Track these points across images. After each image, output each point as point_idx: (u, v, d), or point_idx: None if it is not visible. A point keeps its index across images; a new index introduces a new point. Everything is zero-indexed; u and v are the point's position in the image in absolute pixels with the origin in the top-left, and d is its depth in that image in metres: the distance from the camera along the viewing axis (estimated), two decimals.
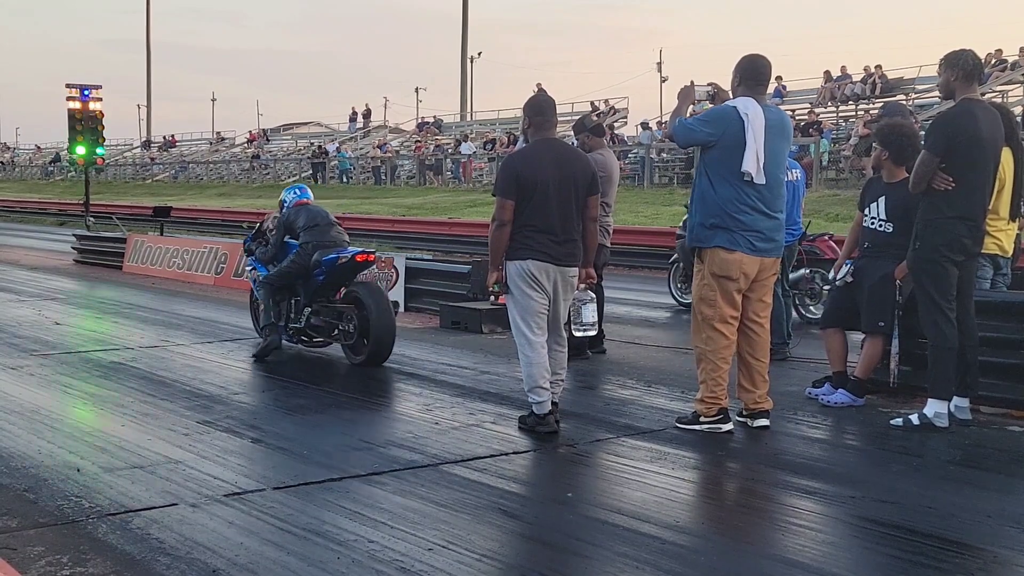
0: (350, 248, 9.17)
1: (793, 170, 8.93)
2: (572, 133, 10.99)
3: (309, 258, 9.07)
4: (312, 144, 52.03)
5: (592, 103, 42.56)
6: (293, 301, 9.41)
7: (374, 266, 11.08)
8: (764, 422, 6.76)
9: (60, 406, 7.71)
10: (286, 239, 9.38)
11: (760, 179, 6.45)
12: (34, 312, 12.81)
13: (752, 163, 6.40)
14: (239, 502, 5.25)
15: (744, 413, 6.84)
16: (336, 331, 9.14)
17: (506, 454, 6.24)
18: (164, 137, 67.70)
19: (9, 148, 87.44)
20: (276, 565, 4.39)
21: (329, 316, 9.17)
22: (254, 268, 9.86)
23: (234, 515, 5.05)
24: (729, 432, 6.64)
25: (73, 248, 20.99)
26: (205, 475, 5.74)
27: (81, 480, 5.63)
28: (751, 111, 6.44)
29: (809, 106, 34.17)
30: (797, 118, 30.23)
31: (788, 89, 36.79)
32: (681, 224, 12.42)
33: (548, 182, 6.47)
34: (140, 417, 7.20)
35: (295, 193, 9.73)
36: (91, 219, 26.14)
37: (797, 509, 5.26)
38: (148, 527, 4.87)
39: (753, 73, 6.63)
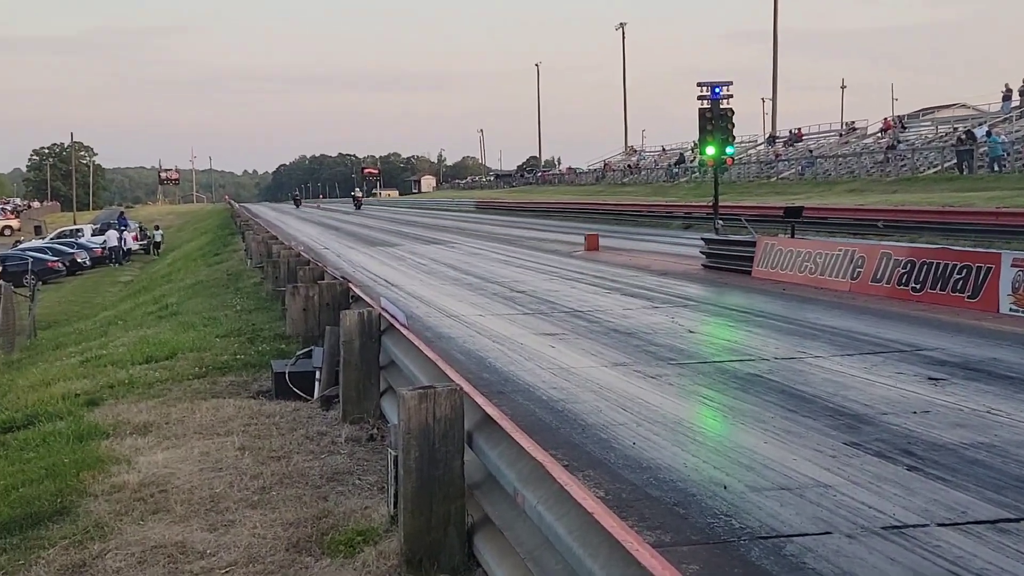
0: None
1: None
2: None
3: None
4: (956, 129, 49.85)
5: None
6: None
7: None
8: None
9: (701, 418, 8.22)
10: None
11: None
12: (667, 319, 13.79)
13: None
14: (900, 536, 5.17)
15: None
16: None
17: None
18: (790, 131, 69.22)
19: (636, 151, 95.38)
20: None
21: None
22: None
23: (896, 551, 4.97)
24: None
25: (701, 252, 22.26)
26: (858, 503, 5.73)
27: (728, 498, 5.93)
28: None
29: None
30: None
31: None
32: None
33: None
34: (782, 434, 7.40)
35: None
36: (720, 222, 27.49)
37: None
38: (802, 555, 4.98)
39: None
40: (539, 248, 29.24)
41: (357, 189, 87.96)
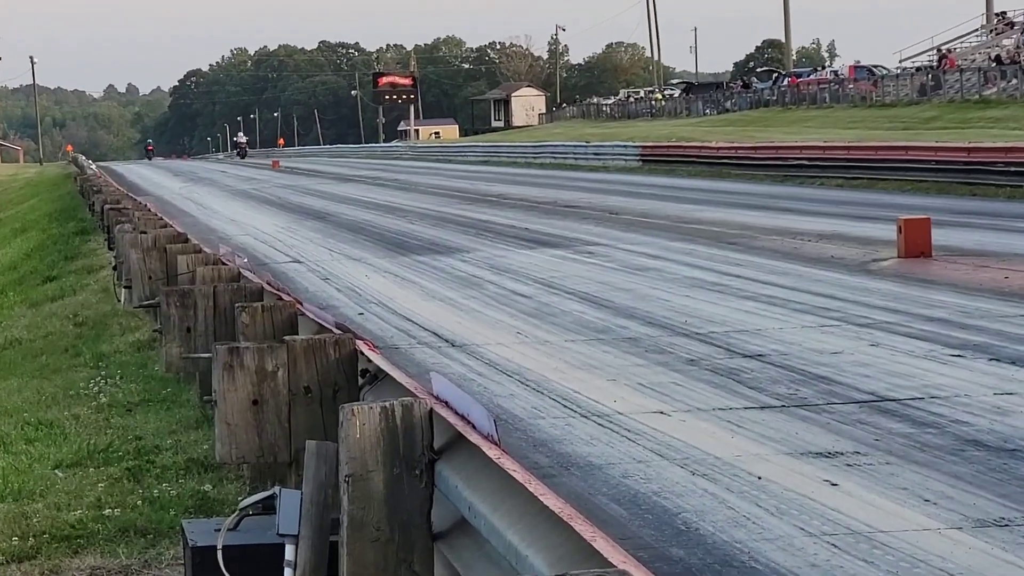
0: None
1: None
2: None
3: None
4: None
5: None
6: None
7: None
8: None
9: None
10: None
11: None
12: None
13: None
14: None
15: None
16: None
17: None
18: None
19: (1012, 24, 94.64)
20: None
21: None
22: None
23: None
24: None
25: None
26: None
27: None
28: None
29: None
30: None
31: None
32: None
33: None
34: None
35: None
36: None
37: None
38: None
39: None
40: (789, 253, 29.29)
41: (240, 134, 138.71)
